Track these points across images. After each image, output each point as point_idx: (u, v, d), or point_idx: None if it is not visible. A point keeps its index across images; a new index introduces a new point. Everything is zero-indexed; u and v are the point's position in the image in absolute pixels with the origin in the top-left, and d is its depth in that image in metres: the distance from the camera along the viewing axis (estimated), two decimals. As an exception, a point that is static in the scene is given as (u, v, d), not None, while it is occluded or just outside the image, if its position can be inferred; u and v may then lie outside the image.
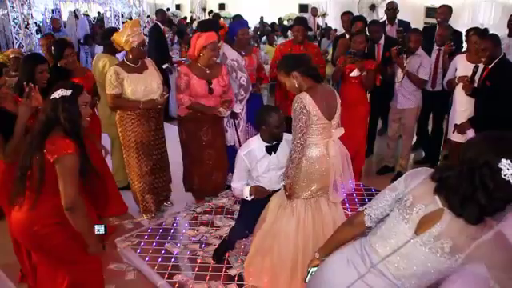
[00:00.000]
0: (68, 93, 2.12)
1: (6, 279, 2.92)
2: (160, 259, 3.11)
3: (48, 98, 2.16)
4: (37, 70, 2.88)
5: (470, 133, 3.63)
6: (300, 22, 4.59)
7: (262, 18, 11.92)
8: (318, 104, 2.37)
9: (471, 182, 1.28)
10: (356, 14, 6.16)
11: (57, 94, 2.12)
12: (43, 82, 2.88)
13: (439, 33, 4.46)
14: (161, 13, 6.91)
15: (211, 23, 4.40)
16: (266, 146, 2.74)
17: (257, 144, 2.78)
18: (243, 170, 2.80)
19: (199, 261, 3.10)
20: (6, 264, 2.96)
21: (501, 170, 1.24)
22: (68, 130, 2.09)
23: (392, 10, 5.32)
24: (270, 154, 2.75)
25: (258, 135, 2.81)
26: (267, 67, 5.55)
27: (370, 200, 4.13)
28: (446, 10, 4.82)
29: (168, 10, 14.43)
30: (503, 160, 1.24)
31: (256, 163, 2.76)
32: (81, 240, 2.20)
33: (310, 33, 9.85)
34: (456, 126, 3.74)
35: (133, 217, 3.74)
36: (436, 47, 4.45)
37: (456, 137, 4.01)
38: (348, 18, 5.36)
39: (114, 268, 3.07)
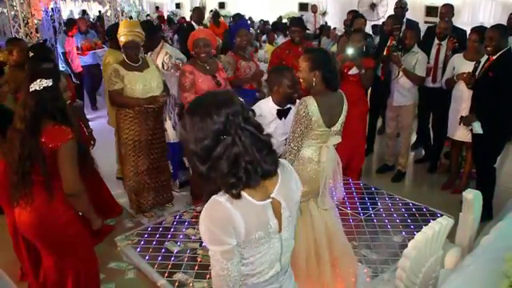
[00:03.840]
0: (50, 83, 2.11)
1: (7, 278, 2.93)
2: (160, 258, 3.11)
3: (25, 90, 2.11)
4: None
5: (477, 126, 3.60)
6: (297, 23, 4.55)
7: (250, 17, 11.84)
8: (321, 112, 2.33)
9: (256, 140, 1.28)
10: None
11: (37, 86, 2.08)
12: None
13: (440, 27, 4.45)
14: (197, 12, 6.16)
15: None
16: (278, 110, 2.65)
17: (267, 107, 2.70)
18: None
19: (199, 259, 3.09)
20: (6, 262, 2.97)
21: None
22: (59, 118, 2.11)
23: (400, 8, 5.26)
24: (280, 118, 2.63)
25: (269, 98, 2.75)
26: (266, 66, 5.53)
27: (369, 199, 4.13)
28: (449, 9, 4.79)
29: (157, 7, 14.41)
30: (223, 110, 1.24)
31: (264, 128, 2.70)
32: (86, 227, 2.30)
33: (310, 31, 9.85)
34: (462, 118, 3.74)
35: (133, 215, 3.75)
36: (436, 42, 4.45)
37: (457, 136, 4.02)
38: (353, 16, 5.35)
39: (114, 267, 3.08)
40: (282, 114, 2.65)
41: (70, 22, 7.13)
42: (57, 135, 2.07)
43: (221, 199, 1.26)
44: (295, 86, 2.62)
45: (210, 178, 1.26)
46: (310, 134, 2.40)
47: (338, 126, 2.46)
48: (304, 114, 2.32)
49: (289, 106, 2.73)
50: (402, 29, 4.70)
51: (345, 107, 2.48)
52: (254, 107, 2.78)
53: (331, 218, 2.66)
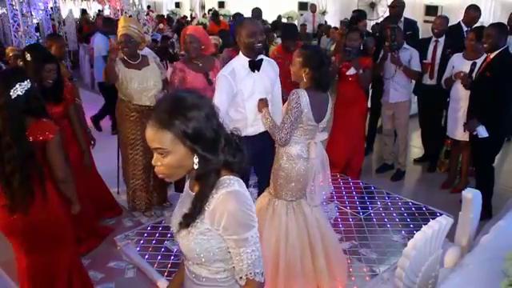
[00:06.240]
0: (28, 84, 2.13)
1: (6, 277, 2.93)
2: (160, 257, 3.12)
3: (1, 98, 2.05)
4: (45, 69, 2.86)
5: (482, 130, 3.53)
6: (293, 33, 4.45)
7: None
8: (312, 106, 2.36)
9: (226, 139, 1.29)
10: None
11: (19, 91, 2.08)
12: (49, 82, 2.89)
13: (435, 23, 4.44)
14: (257, 13, 5.94)
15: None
16: (250, 61, 2.68)
17: (239, 61, 2.71)
18: (228, 94, 2.63)
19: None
20: (6, 262, 2.96)
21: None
22: (42, 113, 2.18)
23: (396, 7, 5.21)
24: (254, 71, 2.67)
25: (240, 54, 2.77)
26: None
27: (369, 198, 4.13)
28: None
29: (148, 7, 14.40)
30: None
31: (241, 83, 2.67)
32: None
33: (309, 30, 9.84)
34: (465, 124, 3.71)
35: (132, 215, 3.74)
36: (433, 39, 4.45)
37: (457, 135, 4.01)
38: (357, 15, 5.33)
39: (114, 266, 3.08)
40: (254, 65, 2.67)
41: (110, 22, 6.42)
42: (46, 130, 2.14)
43: (234, 188, 1.26)
44: (258, 35, 2.62)
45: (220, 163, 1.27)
46: (298, 129, 2.42)
47: (324, 123, 2.51)
48: (296, 105, 2.33)
49: (260, 57, 2.75)
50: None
51: (330, 105, 2.52)
52: (226, 66, 2.77)
53: (321, 214, 2.69)
